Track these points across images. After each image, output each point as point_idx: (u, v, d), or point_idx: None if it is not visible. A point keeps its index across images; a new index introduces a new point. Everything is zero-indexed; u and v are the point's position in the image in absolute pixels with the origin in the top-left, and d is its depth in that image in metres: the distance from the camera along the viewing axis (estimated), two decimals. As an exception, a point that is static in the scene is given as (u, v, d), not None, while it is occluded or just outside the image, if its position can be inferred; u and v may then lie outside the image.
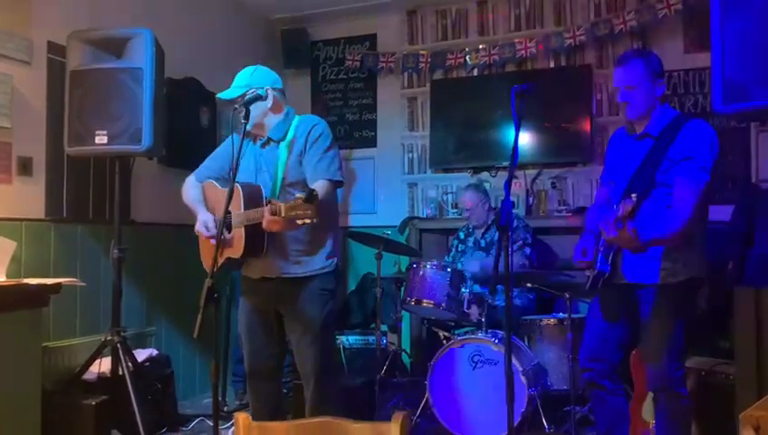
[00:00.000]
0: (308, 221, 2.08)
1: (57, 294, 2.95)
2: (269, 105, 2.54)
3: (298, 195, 2.10)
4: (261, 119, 2.55)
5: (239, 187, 2.45)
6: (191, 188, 2.69)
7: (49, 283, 2.92)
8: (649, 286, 2.46)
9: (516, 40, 4.70)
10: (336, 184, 2.52)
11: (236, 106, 2.41)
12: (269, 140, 2.58)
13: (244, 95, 2.48)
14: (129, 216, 3.80)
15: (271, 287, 2.58)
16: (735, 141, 4.16)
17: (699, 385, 2.85)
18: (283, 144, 2.55)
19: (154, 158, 3.54)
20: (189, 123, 4.41)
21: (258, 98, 2.47)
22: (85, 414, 2.97)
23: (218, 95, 2.57)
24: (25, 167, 3.30)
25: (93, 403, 2.98)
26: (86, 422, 2.96)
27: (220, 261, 2.53)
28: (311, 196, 2.08)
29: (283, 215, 2.10)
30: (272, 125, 2.57)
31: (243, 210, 2.41)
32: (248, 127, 2.44)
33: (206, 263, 2.63)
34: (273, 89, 2.56)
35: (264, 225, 2.24)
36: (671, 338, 2.43)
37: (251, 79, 2.54)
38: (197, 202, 2.63)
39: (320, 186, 2.42)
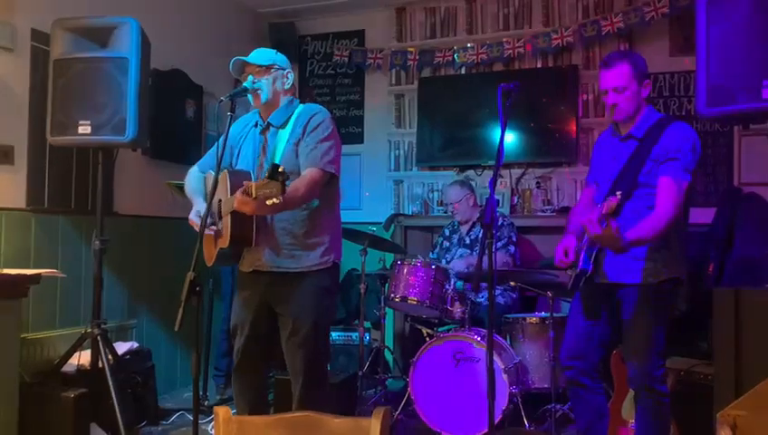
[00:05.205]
0: (276, 201, 2.02)
1: (37, 284, 2.90)
2: (287, 86, 2.56)
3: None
4: (276, 96, 2.52)
5: (227, 172, 2.43)
6: (192, 180, 2.65)
7: (28, 273, 2.88)
8: (630, 286, 2.49)
9: (504, 39, 4.71)
10: (330, 176, 2.47)
11: (222, 98, 2.38)
12: (269, 125, 2.55)
13: (269, 67, 2.49)
14: (111, 207, 3.76)
15: (263, 281, 2.52)
16: (719, 145, 4.21)
17: (678, 385, 2.88)
18: (282, 131, 2.52)
19: (138, 149, 3.51)
20: (175, 115, 4.37)
21: (246, 91, 2.47)
22: (64, 407, 2.93)
23: (246, 58, 2.50)
24: (6, 155, 3.26)
25: (72, 396, 2.95)
26: (64, 415, 2.92)
27: (214, 252, 2.51)
28: (274, 172, 1.99)
29: (254, 195, 2.07)
30: (277, 108, 2.54)
31: (230, 196, 2.38)
32: (263, 100, 2.48)
33: (207, 257, 2.60)
34: (291, 72, 2.60)
35: (236, 205, 2.22)
36: (652, 337, 2.45)
37: (276, 57, 2.55)
38: (196, 193, 2.59)
39: (307, 173, 2.39)
